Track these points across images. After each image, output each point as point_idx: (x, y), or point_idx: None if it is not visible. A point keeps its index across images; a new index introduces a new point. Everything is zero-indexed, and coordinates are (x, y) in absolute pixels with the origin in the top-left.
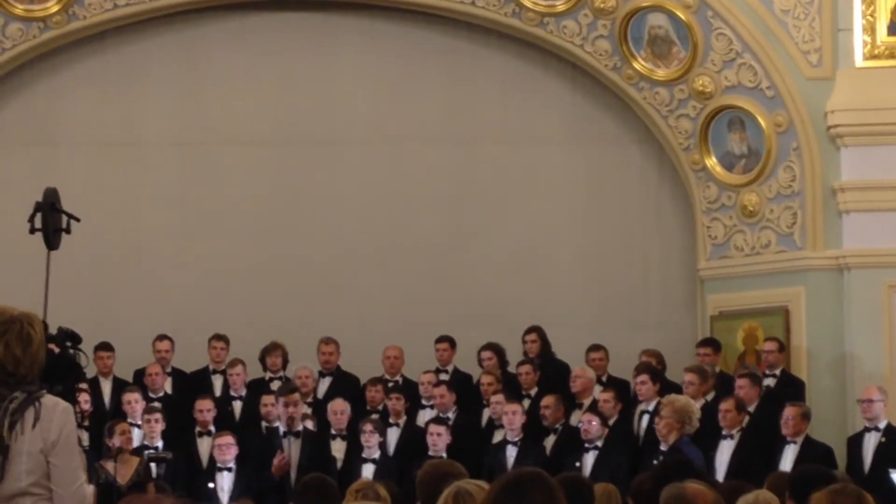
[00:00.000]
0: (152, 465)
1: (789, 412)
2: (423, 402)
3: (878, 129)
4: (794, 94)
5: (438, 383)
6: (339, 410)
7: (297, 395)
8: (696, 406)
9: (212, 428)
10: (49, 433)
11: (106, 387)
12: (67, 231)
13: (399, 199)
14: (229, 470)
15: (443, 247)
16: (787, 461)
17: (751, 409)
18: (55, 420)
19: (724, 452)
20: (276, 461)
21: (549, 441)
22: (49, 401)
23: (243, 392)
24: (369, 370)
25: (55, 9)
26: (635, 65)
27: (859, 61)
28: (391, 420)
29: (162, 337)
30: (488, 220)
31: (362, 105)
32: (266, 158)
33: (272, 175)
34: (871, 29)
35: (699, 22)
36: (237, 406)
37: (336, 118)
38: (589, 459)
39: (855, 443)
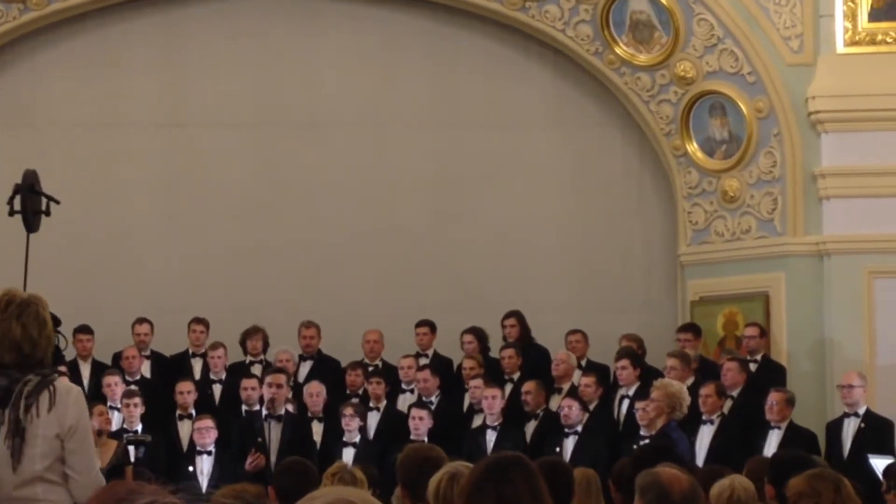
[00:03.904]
0: (131, 448)
1: (774, 397)
2: (404, 386)
3: (859, 116)
4: (776, 79)
5: (422, 367)
6: (315, 393)
7: (282, 377)
8: (687, 394)
9: (192, 411)
10: (66, 418)
11: (85, 370)
12: (47, 213)
13: (380, 183)
14: (209, 453)
15: (425, 230)
16: (771, 446)
17: (734, 393)
18: (71, 405)
19: (705, 437)
20: (249, 459)
21: (531, 426)
22: (62, 385)
23: (223, 375)
24: (350, 354)
25: None
26: (617, 50)
27: (840, 47)
28: (371, 404)
29: (141, 320)
30: (470, 205)
31: (345, 88)
32: (248, 141)
33: (254, 158)
34: (852, 15)
35: (681, 7)
36: (217, 389)
37: (319, 101)
38: (569, 444)
39: (834, 428)
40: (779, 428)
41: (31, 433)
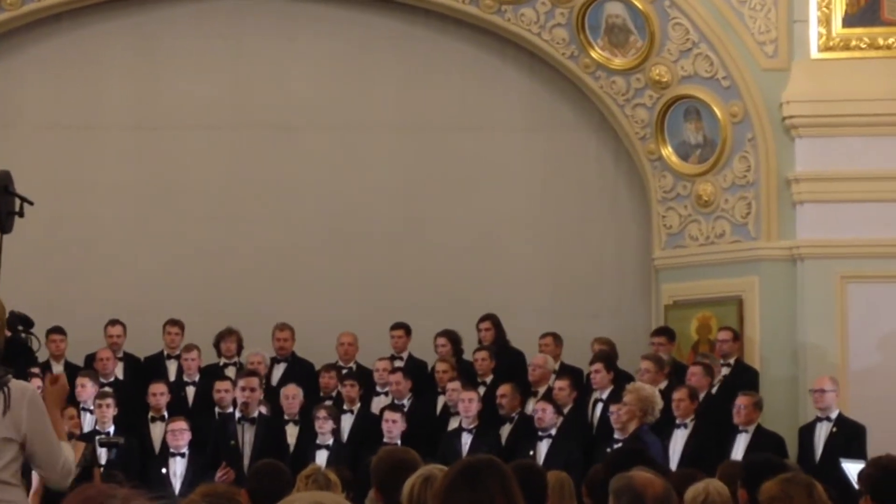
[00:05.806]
0: (103, 450)
1: (741, 401)
2: (378, 388)
3: (833, 121)
4: (750, 84)
5: (394, 370)
6: (291, 395)
7: (255, 380)
8: (660, 397)
9: (164, 413)
10: (21, 423)
11: (58, 371)
12: (20, 214)
13: (354, 186)
14: (182, 455)
15: (398, 233)
16: (738, 450)
17: (699, 397)
18: (25, 408)
19: (678, 441)
20: (219, 474)
21: (506, 430)
22: (17, 386)
23: (197, 377)
24: (324, 356)
25: None
26: (592, 53)
27: (814, 53)
28: (345, 407)
29: (114, 322)
30: (444, 208)
31: (319, 91)
32: (222, 143)
33: (228, 160)
34: (826, 20)
35: (656, 11)
36: (190, 392)
37: (293, 104)
38: (542, 448)
39: (806, 432)
40: (746, 432)
41: None
